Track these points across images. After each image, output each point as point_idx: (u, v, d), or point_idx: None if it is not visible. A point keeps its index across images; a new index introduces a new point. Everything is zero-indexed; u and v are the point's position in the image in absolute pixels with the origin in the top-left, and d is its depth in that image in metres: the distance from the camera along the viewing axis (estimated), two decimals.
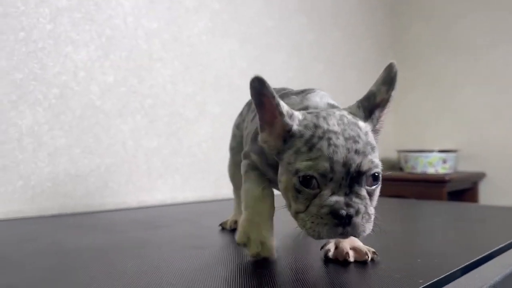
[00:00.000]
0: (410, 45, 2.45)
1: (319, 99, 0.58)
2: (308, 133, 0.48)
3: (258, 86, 0.48)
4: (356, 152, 0.47)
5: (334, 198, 0.46)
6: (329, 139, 0.47)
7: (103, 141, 1.18)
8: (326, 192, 0.47)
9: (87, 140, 1.15)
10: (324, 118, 0.49)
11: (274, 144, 0.52)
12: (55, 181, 1.08)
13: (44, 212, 1.05)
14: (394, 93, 0.51)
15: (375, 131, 0.52)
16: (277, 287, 0.47)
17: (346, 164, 0.46)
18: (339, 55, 2.08)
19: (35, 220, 0.96)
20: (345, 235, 0.46)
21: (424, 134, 2.38)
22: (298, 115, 0.51)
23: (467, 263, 0.53)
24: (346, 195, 0.47)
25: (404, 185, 1.86)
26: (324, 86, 1.96)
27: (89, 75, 1.16)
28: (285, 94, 0.63)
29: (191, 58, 1.40)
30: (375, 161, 0.48)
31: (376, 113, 0.52)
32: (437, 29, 2.35)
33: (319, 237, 0.46)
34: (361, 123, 0.50)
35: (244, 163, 0.63)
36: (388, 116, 0.54)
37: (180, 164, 1.36)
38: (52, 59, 1.09)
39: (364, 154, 0.47)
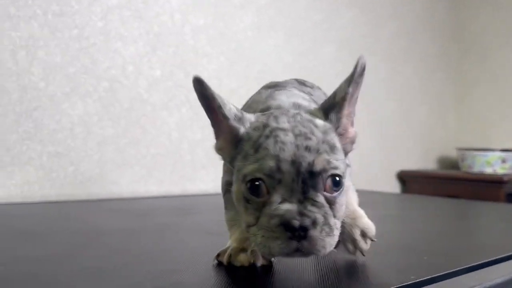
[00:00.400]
0: (475, 37, 2.31)
1: (286, 97, 0.51)
2: (256, 135, 0.42)
3: (198, 87, 0.44)
4: (307, 149, 0.40)
5: (285, 206, 0.39)
6: (276, 136, 0.41)
7: (149, 132, 1.25)
8: (276, 198, 0.39)
9: (134, 131, 1.22)
10: (275, 117, 0.44)
11: (227, 151, 0.45)
12: (102, 168, 1.17)
13: (92, 196, 1.13)
14: (352, 90, 0.44)
15: (339, 134, 0.45)
16: (274, 272, 0.48)
17: (294, 162, 0.39)
18: (394, 48, 2.01)
19: (82, 203, 1.04)
20: (302, 252, 0.38)
21: (487, 132, 2.24)
22: (250, 117, 0.45)
23: (473, 264, 0.50)
24: (300, 202, 0.39)
25: (459, 184, 1.77)
26: (378, 80, 1.91)
27: (137, 70, 1.23)
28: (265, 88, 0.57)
29: (236, 53, 1.43)
30: (333, 162, 0.41)
31: (333, 113, 0.45)
32: (507, 19, 2.20)
33: (270, 253, 0.40)
34: (319, 121, 0.44)
35: (222, 182, 0.54)
36: (352, 118, 0.47)
37: None
38: (103, 55, 1.17)
39: (318, 152, 0.40)
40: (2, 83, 1.02)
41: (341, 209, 0.42)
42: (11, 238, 0.66)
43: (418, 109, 2.13)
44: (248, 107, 0.55)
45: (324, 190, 0.40)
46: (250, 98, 0.59)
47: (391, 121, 1.99)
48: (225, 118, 0.44)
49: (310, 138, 0.41)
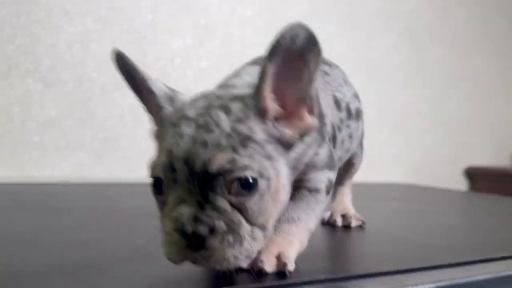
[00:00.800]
0: None
1: (249, 77, 0.43)
2: (168, 121, 0.37)
3: (119, 62, 0.39)
4: (204, 144, 0.33)
5: (180, 209, 0.33)
6: (177, 126, 0.35)
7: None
8: (172, 199, 0.34)
9: None
10: (193, 101, 0.37)
11: (156, 136, 0.40)
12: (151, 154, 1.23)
13: (140, 180, 1.21)
14: (267, 64, 0.34)
15: (273, 119, 0.37)
16: None
17: (188, 160, 0.33)
18: (463, 37, 1.88)
19: (130, 186, 1.11)
20: (198, 263, 0.33)
21: None
22: (183, 98, 0.39)
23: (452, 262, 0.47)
24: (200, 205, 0.33)
25: None
26: (444, 71, 1.80)
27: (185, 61, 1.28)
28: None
29: None
30: (238, 161, 0.33)
31: (257, 95, 0.36)
32: None
33: (171, 260, 0.34)
34: (237, 106, 0.35)
35: None
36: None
37: None
38: (152, 47, 1.23)
39: (218, 148, 0.33)
40: (59, 75, 1.13)
41: (261, 215, 0.34)
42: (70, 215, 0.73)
43: (490, 100, 1.97)
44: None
45: (230, 193, 0.33)
46: None
47: (459, 114, 1.87)
48: (151, 93, 0.39)
49: (211, 131, 0.33)
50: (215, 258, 0.32)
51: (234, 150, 0.33)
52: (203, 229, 0.32)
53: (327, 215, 0.67)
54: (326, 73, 0.54)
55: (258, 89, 0.36)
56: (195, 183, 0.33)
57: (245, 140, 0.34)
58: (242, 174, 0.33)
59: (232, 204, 0.33)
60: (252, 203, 0.34)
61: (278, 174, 0.35)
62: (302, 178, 0.44)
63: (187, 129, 0.34)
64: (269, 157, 0.35)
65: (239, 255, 0.33)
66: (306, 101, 0.37)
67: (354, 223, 0.64)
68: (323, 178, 0.45)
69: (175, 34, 1.26)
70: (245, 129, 0.34)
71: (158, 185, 0.35)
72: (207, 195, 0.33)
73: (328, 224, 0.66)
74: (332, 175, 0.46)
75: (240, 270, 0.37)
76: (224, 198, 0.33)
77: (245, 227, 0.34)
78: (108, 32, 1.18)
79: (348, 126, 0.54)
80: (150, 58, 1.23)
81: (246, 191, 0.33)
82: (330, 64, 0.58)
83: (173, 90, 0.40)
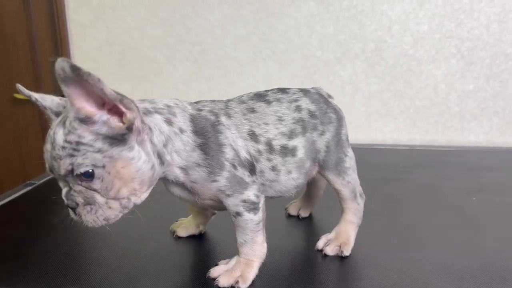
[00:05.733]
0: None
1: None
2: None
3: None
4: (54, 158, 0.49)
5: (63, 191, 0.51)
6: (46, 143, 0.51)
7: (413, 85, 1.34)
8: (61, 186, 0.52)
9: (398, 85, 1.34)
10: (54, 124, 0.52)
11: None
12: (368, 118, 1.36)
13: (360, 141, 1.35)
14: (63, 88, 0.45)
15: (106, 123, 0.49)
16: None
17: (52, 169, 0.50)
18: None
19: None
20: (80, 222, 0.51)
21: None
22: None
23: None
24: (70, 189, 0.51)
25: None
26: None
27: (403, 27, 1.32)
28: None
29: None
30: (75, 163, 0.48)
31: (81, 115, 0.49)
32: None
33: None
34: (67, 122, 0.49)
35: None
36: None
37: (500, 107, 1.32)
38: (370, 19, 1.32)
39: (59, 159, 0.48)
40: (291, 55, 1.36)
41: (110, 191, 0.50)
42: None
43: None
44: None
45: (81, 182, 0.49)
46: None
47: None
48: (45, 108, 0.53)
49: (54, 148, 0.49)
50: (84, 220, 0.51)
51: (70, 156, 0.48)
52: (70, 203, 0.51)
53: (321, 242, 0.67)
54: (252, 110, 0.61)
55: (71, 106, 0.47)
56: (62, 178, 0.50)
57: (77, 145, 0.48)
58: (79, 170, 0.48)
59: (85, 187, 0.50)
60: (96, 185, 0.49)
61: (113, 159, 0.49)
62: (224, 206, 0.57)
63: (48, 145, 0.50)
64: (100, 151, 0.49)
65: (97, 219, 0.51)
66: (117, 102, 0.48)
67: (346, 252, 0.65)
68: (236, 201, 0.57)
69: (393, 1, 1.31)
70: (75, 137, 0.48)
71: None
72: (70, 184, 0.50)
73: (320, 251, 0.66)
74: (246, 195, 0.57)
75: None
76: (78, 185, 0.50)
77: (99, 199, 0.50)
78: (329, 12, 1.33)
79: (269, 159, 0.60)
80: (368, 30, 1.32)
81: (88, 178, 0.49)
82: (269, 102, 0.63)
83: (66, 100, 0.52)
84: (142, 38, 1.46)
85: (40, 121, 1.65)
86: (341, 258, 0.65)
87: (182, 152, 0.54)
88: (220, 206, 0.59)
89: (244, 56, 1.40)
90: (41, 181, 1.03)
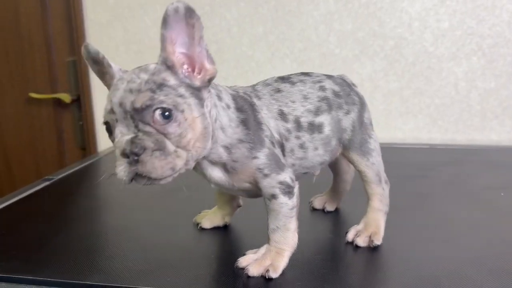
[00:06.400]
0: None
1: None
2: (114, 82, 0.51)
3: (85, 52, 0.52)
4: (130, 91, 0.47)
5: (122, 138, 0.47)
6: (116, 85, 0.49)
7: (434, 83, 1.31)
8: (117, 133, 0.48)
9: (418, 82, 1.32)
10: (132, 70, 0.51)
11: None
12: (388, 117, 1.34)
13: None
14: (163, 33, 0.48)
15: (185, 72, 0.50)
16: None
17: (122, 104, 0.47)
18: None
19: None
20: (140, 176, 0.47)
21: None
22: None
23: None
24: (134, 133, 0.47)
25: None
26: None
27: (423, 24, 1.30)
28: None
29: None
30: (155, 98, 0.46)
31: (162, 56, 0.50)
32: None
33: (122, 179, 0.47)
34: (152, 66, 0.50)
35: None
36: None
37: None
38: (389, 16, 1.30)
39: (139, 92, 0.47)
40: (308, 53, 1.35)
41: (182, 137, 0.47)
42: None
43: None
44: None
45: (155, 123, 0.47)
46: None
47: None
48: (110, 66, 0.52)
49: (134, 82, 0.48)
50: (148, 169, 0.46)
51: (152, 91, 0.47)
52: (136, 148, 0.46)
53: (351, 234, 0.65)
54: (278, 90, 0.61)
55: (162, 51, 0.49)
56: (129, 118, 0.47)
57: (160, 85, 0.48)
58: (159, 106, 0.46)
59: (157, 130, 0.47)
60: (172, 128, 0.47)
61: (191, 108, 0.49)
62: (258, 187, 0.56)
63: (121, 85, 0.49)
64: (181, 96, 0.48)
65: (165, 166, 0.46)
66: (205, 53, 0.50)
67: (377, 242, 0.63)
68: (273, 183, 0.55)
69: None
70: (160, 79, 0.48)
71: (108, 128, 0.50)
72: (138, 126, 0.47)
73: (350, 243, 0.65)
74: (282, 177, 0.55)
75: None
76: (150, 126, 0.47)
77: (169, 146, 0.47)
78: (347, 9, 1.31)
79: (297, 137, 0.60)
80: (388, 27, 1.31)
81: (166, 119, 0.46)
82: (293, 83, 0.63)
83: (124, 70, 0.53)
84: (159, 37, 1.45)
85: (55, 121, 1.65)
86: (372, 249, 0.62)
87: (227, 128, 0.54)
88: (255, 192, 0.58)
89: (261, 55, 1.39)
90: (58, 177, 1.02)
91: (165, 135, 0.47)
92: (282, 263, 0.56)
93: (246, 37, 1.39)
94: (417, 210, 0.77)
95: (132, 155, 0.46)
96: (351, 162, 0.67)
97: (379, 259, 0.61)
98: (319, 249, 0.64)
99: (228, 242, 0.67)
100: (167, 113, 0.47)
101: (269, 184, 0.55)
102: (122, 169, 0.47)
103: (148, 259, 0.61)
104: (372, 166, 0.66)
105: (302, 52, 1.36)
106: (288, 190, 0.56)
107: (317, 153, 0.62)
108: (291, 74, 0.66)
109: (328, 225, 0.73)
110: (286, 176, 0.56)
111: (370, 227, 0.65)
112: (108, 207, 0.88)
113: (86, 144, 1.62)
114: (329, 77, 0.67)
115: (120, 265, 0.59)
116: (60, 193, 0.93)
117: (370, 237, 0.63)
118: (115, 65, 0.53)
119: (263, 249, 0.58)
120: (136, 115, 0.47)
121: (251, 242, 0.65)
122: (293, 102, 0.61)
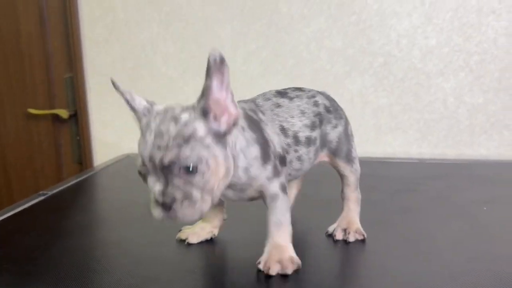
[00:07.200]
0: None
1: None
2: (142, 129, 0.54)
3: (114, 87, 0.55)
4: (159, 148, 0.50)
5: (155, 187, 0.51)
6: (144, 136, 0.52)
7: (423, 98, 1.34)
8: (150, 182, 0.52)
9: (407, 98, 1.34)
10: (157, 113, 0.53)
11: None
12: (377, 132, 1.36)
13: (368, 154, 1.35)
14: (212, 81, 0.50)
15: (214, 118, 0.52)
16: None
17: (151, 158, 0.51)
18: None
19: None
20: (171, 218, 0.52)
21: None
22: (157, 108, 0.55)
23: None
24: (165, 184, 0.51)
25: None
26: None
27: (411, 41, 1.33)
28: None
29: None
30: (181, 155, 0.49)
31: (201, 104, 0.52)
32: None
33: (156, 218, 0.53)
34: (184, 116, 0.52)
35: None
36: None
37: (511, 120, 1.31)
38: (378, 33, 1.34)
39: (167, 149, 0.50)
40: (300, 69, 1.38)
41: (206, 184, 0.51)
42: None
43: None
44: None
45: (182, 175, 0.50)
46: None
47: None
48: (134, 110, 0.55)
49: (162, 137, 0.50)
50: (179, 217, 0.51)
51: (179, 146, 0.50)
52: (167, 200, 0.51)
53: (331, 227, 0.73)
54: (278, 105, 0.66)
55: (205, 96, 0.51)
56: (159, 172, 0.51)
57: (188, 139, 0.50)
58: (184, 163, 0.50)
59: (184, 181, 0.51)
60: (197, 180, 0.51)
61: (216, 158, 0.52)
62: (262, 190, 0.60)
63: (149, 138, 0.51)
64: (207, 147, 0.51)
65: (195, 212, 0.52)
66: (230, 98, 0.53)
67: (352, 237, 0.70)
68: (277, 185, 0.61)
69: (401, 16, 1.32)
70: (189, 131, 0.51)
71: (142, 175, 0.54)
72: (167, 178, 0.51)
73: (330, 236, 0.72)
74: (281, 179, 0.61)
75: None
76: (179, 178, 0.50)
77: (195, 194, 0.51)
78: (337, 27, 1.35)
79: (296, 151, 0.65)
80: (377, 44, 1.34)
81: (191, 173, 0.50)
82: (291, 98, 0.68)
83: (151, 103, 0.55)
84: (155, 53, 1.49)
85: (54, 136, 1.67)
86: (352, 262, 0.65)
87: (245, 149, 0.58)
88: (256, 197, 0.63)
89: (255, 71, 1.42)
90: (53, 191, 1.04)
91: (191, 184, 0.51)
92: (293, 253, 0.61)
93: (240, 54, 1.42)
94: (401, 225, 0.79)
95: (164, 204, 0.51)
96: (337, 168, 0.74)
97: (359, 272, 0.62)
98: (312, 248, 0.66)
99: (213, 256, 0.69)
100: (192, 168, 0.50)
101: (274, 186, 0.61)
102: (158, 213, 0.52)
103: (136, 274, 0.62)
104: (355, 172, 0.74)
105: (294, 67, 1.39)
106: (284, 188, 0.62)
107: (310, 162, 0.69)
108: (286, 89, 0.71)
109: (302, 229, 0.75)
110: (283, 177, 0.62)
111: (352, 225, 0.73)
112: (100, 222, 0.90)
113: (83, 158, 1.64)
114: (318, 92, 0.74)
115: (109, 278, 0.61)
116: (54, 207, 0.95)
117: (346, 230, 0.72)
118: (140, 101, 0.55)
119: (267, 248, 0.61)
120: (165, 169, 0.51)
121: (236, 254, 0.67)
122: (292, 117, 0.66)
